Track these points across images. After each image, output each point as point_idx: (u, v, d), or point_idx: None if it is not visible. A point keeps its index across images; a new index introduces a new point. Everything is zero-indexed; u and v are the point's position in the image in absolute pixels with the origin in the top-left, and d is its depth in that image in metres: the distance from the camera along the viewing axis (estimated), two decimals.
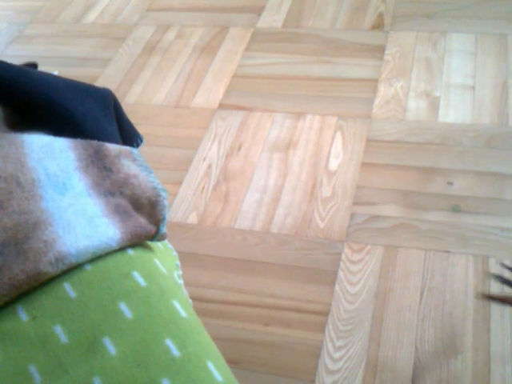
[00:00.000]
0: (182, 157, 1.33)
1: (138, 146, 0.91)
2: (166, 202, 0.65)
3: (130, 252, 0.60)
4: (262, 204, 1.21)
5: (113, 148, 0.69)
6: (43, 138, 0.65)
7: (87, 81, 1.57)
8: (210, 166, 1.30)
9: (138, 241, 0.61)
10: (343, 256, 1.10)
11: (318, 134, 1.33)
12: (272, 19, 1.67)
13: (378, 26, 1.60)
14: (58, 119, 0.72)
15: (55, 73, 0.91)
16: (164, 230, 0.64)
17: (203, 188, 1.26)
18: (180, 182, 1.28)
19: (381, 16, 1.63)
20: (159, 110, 1.46)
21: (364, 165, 1.26)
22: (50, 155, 0.64)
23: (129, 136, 0.88)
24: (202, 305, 1.05)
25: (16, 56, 1.70)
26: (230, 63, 1.55)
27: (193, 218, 1.21)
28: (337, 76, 1.47)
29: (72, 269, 0.57)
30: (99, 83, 1.55)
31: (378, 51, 1.53)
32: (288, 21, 1.66)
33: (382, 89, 1.42)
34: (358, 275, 1.07)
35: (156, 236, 0.63)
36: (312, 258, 1.11)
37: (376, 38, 1.57)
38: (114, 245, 0.59)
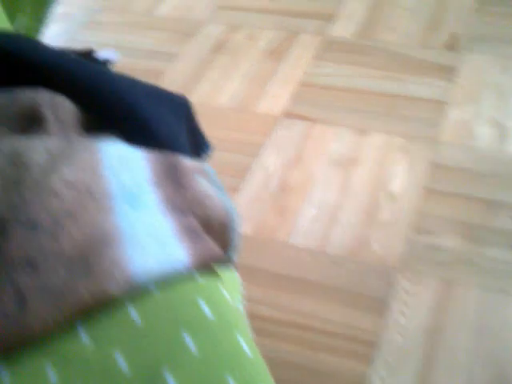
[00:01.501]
0: (240, 163, 1.32)
1: (205, 154, 0.90)
2: (238, 227, 0.64)
3: (197, 277, 0.59)
4: (319, 221, 1.20)
5: (188, 163, 0.68)
6: (120, 148, 0.65)
7: (153, 75, 1.57)
8: (268, 176, 1.29)
9: (207, 266, 0.60)
10: (397, 285, 1.08)
11: (381, 153, 1.31)
12: (343, 28, 1.65)
13: (451, 45, 1.56)
14: (132, 124, 0.72)
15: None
16: (234, 256, 0.63)
17: (260, 198, 1.25)
18: (237, 190, 1.27)
19: (454, 36, 1.59)
20: (222, 111, 1.45)
21: (426, 190, 1.23)
22: (125, 166, 0.64)
23: (198, 144, 0.88)
24: (251, 321, 1.05)
25: (86, 42, 1.71)
26: (296, 70, 1.53)
27: (247, 229, 1.20)
28: (404, 94, 1.43)
29: (137, 291, 0.56)
30: (165, 78, 1.55)
31: (449, 72, 1.49)
32: (359, 31, 1.63)
33: (451, 112, 1.38)
34: (411, 307, 1.05)
35: (225, 262, 0.62)
36: (365, 283, 1.09)
37: (448, 58, 1.53)
38: (184, 269, 0.58)
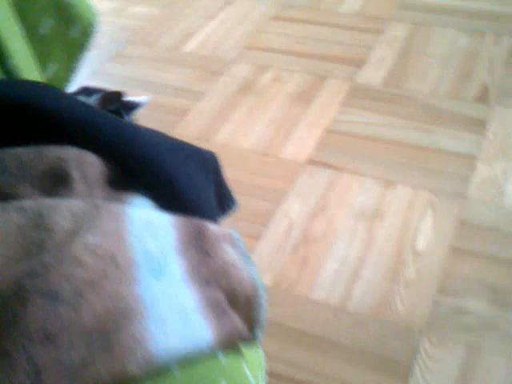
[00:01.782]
0: (263, 209, 1.30)
1: (230, 210, 0.88)
2: (265, 302, 0.61)
3: (220, 357, 0.56)
4: (341, 275, 1.16)
5: (214, 229, 0.65)
6: (146, 212, 0.63)
7: (178, 113, 1.56)
8: (290, 225, 1.26)
9: (231, 344, 0.57)
10: (421, 349, 1.04)
11: (407, 208, 1.28)
12: (372, 75, 1.63)
13: (482, 98, 1.53)
14: (158, 182, 0.69)
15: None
16: (259, 333, 0.60)
17: (281, 248, 1.22)
18: (258, 237, 1.24)
19: (486, 88, 1.56)
20: (246, 154, 1.43)
21: (453, 249, 1.19)
22: (150, 232, 0.61)
23: (224, 200, 0.85)
24: (267, 379, 1.01)
25: (112, 75, 1.71)
26: (324, 116, 1.51)
27: (267, 280, 1.17)
28: (433, 146, 1.41)
29: (157, 370, 0.53)
30: (190, 117, 1.54)
31: (480, 126, 1.46)
32: (388, 79, 1.61)
33: (481, 168, 1.35)
34: (435, 373, 1.01)
35: (249, 339, 0.59)
36: (387, 345, 1.05)
37: (478, 111, 1.50)
38: (206, 347, 0.55)
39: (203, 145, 1.45)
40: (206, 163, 0.76)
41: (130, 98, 0.88)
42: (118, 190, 0.68)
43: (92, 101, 0.75)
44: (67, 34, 0.66)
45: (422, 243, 1.21)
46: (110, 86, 1.67)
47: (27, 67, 0.62)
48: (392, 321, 1.08)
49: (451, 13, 1.82)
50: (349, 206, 1.29)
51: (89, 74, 1.69)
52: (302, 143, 1.44)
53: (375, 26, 1.80)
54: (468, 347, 1.04)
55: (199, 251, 0.62)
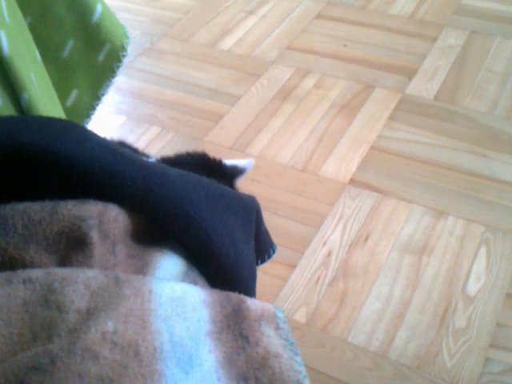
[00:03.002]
0: (299, 234, 1.19)
1: (269, 257, 0.78)
2: None
3: None
4: (383, 318, 1.05)
5: (254, 307, 0.55)
6: (175, 289, 0.52)
7: (212, 117, 1.45)
8: (329, 254, 1.15)
9: None
10: None
11: (459, 244, 1.16)
12: (424, 87, 1.50)
13: None
14: (191, 239, 0.59)
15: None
16: None
17: (318, 280, 1.11)
18: (293, 266, 1.14)
19: None
20: (283, 170, 1.32)
21: (509, 297, 1.07)
22: (180, 313, 0.51)
23: (263, 248, 0.75)
24: None
25: (143, 71, 1.60)
26: (369, 131, 1.39)
27: (301, 315, 1.06)
28: (490, 174, 1.28)
29: None
30: (224, 122, 1.43)
31: None
32: (441, 93, 1.48)
33: None
34: None
35: None
36: None
37: None
38: None
39: (238, 156, 1.35)
40: (247, 213, 0.65)
41: (231, 161, 0.77)
42: (145, 245, 0.58)
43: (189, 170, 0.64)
44: (94, 57, 0.56)
45: (474, 287, 1.09)
46: (140, 83, 1.56)
47: (45, 99, 0.52)
48: (438, 376, 0.97)
49: None
50: (394, 237, 1.17)
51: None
52: (344, 161, 1.33)
53: (429, 32, 1.67)
54: None
55: (236, 335, 0.52)
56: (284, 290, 1.10)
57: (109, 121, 1.46)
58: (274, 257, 1.16)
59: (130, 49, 1.68)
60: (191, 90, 1.53)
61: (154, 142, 1.40)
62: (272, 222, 1.20)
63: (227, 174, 0.73)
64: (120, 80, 1.57)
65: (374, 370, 0.99)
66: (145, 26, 1.77)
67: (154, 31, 1.75)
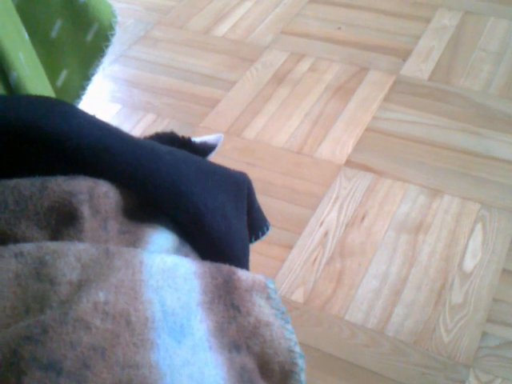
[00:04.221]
0: (296, 216, 1.19)
1: (263, 234, 0.78)
2: (303, 376, 0.52)
3: None
4: (380, 295, 1.06)
5: (245, 277, 0.56)
6: (166, 258, 0.53)
7: (208, 102, 1.45)
8: (326, 234, 1.16)
9: None
10: None
11: (454, 221, 1.16)
12: (418, 68, 1.50)
13: None
14: (182, 214, 0.60)
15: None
16: None
17: (315, 260, 1.12)
18: (290, 247, 1.14)
19: None
20: (279, 152, 1.32)
21: (505, 272, 1.08)
22: (171, 284, 0.51)
23: (256, 225, 0.75)
24: None
25: (138, 59, 1.61)
26: (364, 112, 1.40)
27: (298, 295, 1.07)
28: (485, 152, 1.29)
29: None
30: (220, 107, 1.43)
31: None
32: (436, 73, 1.48)
33: None
34: None
35: None
36: (430, 379, 0.95)
37: None
38: None
39: (233, 140, 1.35)
40: (238, 189, 0.66)
41: (201, 138, 0.77)
42: (137, 221, 0.59)
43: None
44: (82, 37, 0.56)
45: (470, 264, 1.10)
46: (135, 70, 1.56)
47: (34, 78, 0.52)
48: (436, 351, 0.98)
49: (507, 2, 1.67)
50: (391, 216, 1.18)
51: (114, 58, 1.59)
52: (339, 142, 1.33)
53: (423, 13, 1.67)
54: None
55: (227, 306, 0.53)
56: (282, 271, 1.11)
57: (104, 109, 1.46)
58: (272, 238, 1.17)
59: (124, 37, 1.68)
60: (186, 77, 1.54)
61: (149, 129, 1.40)
62: (269, 204, 1.21)
63: (198, 151, 0.73)
64: (115, 68, 1.57)
65: (371, 346, 1.00)
66: (139, 14, 1.77)
67: (148, 19, 1.75)
